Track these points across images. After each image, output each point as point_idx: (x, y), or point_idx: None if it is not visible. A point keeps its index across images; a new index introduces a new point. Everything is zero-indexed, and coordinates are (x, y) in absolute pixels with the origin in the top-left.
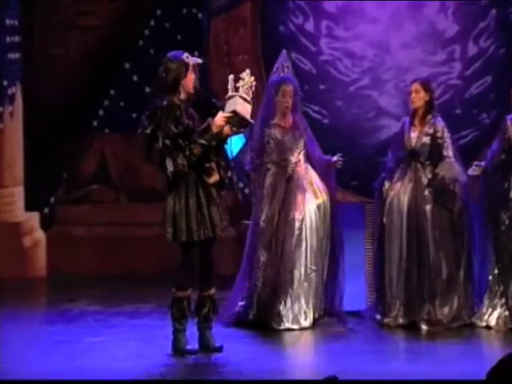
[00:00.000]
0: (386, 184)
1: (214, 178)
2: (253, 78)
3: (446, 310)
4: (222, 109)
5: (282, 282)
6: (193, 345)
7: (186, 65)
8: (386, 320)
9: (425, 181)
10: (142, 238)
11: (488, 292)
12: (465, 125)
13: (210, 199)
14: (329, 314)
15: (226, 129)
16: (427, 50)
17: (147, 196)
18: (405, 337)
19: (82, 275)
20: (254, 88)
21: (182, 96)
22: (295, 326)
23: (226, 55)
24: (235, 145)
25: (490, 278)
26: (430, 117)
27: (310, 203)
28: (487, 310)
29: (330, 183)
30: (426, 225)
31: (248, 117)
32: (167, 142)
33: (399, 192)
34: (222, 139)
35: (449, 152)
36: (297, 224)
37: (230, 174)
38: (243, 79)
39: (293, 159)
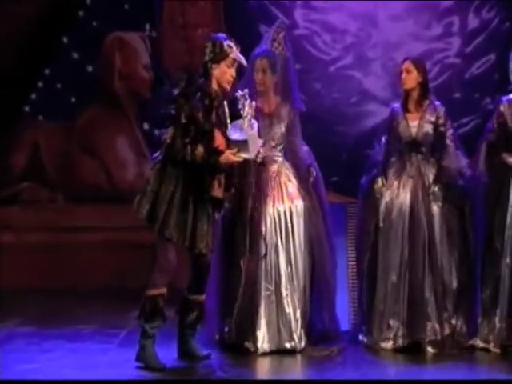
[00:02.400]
0: (380, 181)
1: (217, 192)
2: (254, 104)
3: (450, 327)
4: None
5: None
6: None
7: (224, 53)
8: (383, 344)
9: (429, 176)
10: (83, 245)
11: (483, 310)
12: (465, 111)
13: (202, 210)
14: (321, 335)
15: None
16: (420, 22)
17: (89, 196)
18: (409, 363)
19: (11, 290)
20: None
21: (214, 86)
22: (269, 349)
23: (182, 28)
24: None
25: (486, 296)
26: (427, 102)
27: (270, 209)
28: (485, 329)
29: (315, 190)
30: (434, 228)
31: (258, 148)
32: (183, 119)
33: (398, 191)
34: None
35: (452, 142)
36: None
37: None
38: (248, 113)
39: (261, 151)
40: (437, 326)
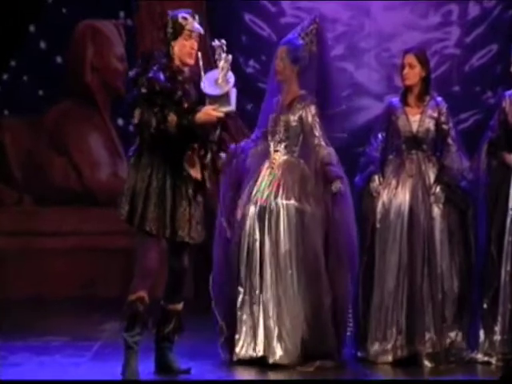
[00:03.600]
0: (377, 179)
1: (195, 172)
2: (230, 57)
3: (450, 339)
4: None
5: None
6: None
7: (180, 27)
8: (381, 358)
9: (430, 175)
10: (52, 251)
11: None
12: (465, 105)
13: (180, 195)
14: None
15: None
16: (417, 11)
17: (59, 198)
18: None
19: None
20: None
21: (177, 62)
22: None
23: (160, 16)
24: None
25: (485, 306)
26: (428, 97)
27: (251, 207)
28: (485, 342)
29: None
30: (434, 231)
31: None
32: (144, 89)
33: (396, 190)
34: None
35: (454, 141)
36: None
37: (216, 175)
38: (219, 59)
39: (272, 145)
40: (435, 338)
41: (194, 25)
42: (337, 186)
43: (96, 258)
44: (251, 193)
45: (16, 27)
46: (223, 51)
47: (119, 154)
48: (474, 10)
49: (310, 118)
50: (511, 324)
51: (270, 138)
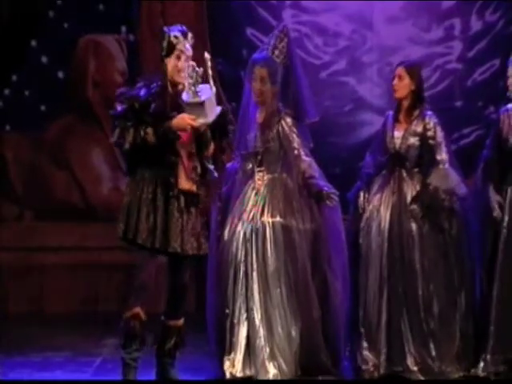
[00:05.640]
0: (362, 195)
1: (187, 184)
2: (201, 70)
3: (436, 356)
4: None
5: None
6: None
7: (171, 46)
8: (366, 374)
9: (411, 192)
10: (52, 266)
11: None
12: (467, 120)
13: (172, 207)
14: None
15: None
16: (419, 24)
17: (60, 213)
18: None
19: None
20: (210, 71)
21: (169, 78)
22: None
23: (162, 30)
24: None
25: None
26: (417, 112)
27: (238, 227)
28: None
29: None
30: (412, 250)
31: (217, 111)
32: (121, 108)
33: (379, 206)
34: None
35: (443, 156)
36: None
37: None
38: (191, 77)
39: (249, 165)
40: (417, 357)
41: (185, 45)
42: (332, 201)
43: (97, 274)
44: (238, 213)
45: (18, 42)
46: (194, 69)
47: (121, 168)
48: (476, 25)
49: (287, 131)
50: (502, 343)
51: (251, 157)
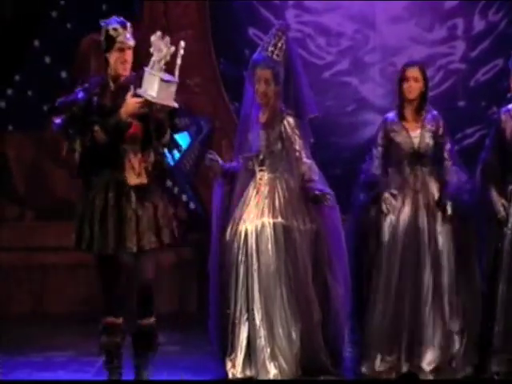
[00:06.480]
0: (388, 198)
1: (133, 179)
2: (173, 49)
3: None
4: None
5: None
6: None
7: (111, 40)
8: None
9: (434, 189)
10: (53, 266)
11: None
12: (470, 120)
13: (124, 208)
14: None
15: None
16: (422, 24)
17: (61, 213)
18: None
19: None
20: (179, 60)
21: (112, 73)
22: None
23: (165, 30)
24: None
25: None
26: (424, 111)
27: (240, 228)
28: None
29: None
30: (439, 246)
31: (170, 102)
32: (59, 120)
33: (402, 206)
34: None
35: (449, 156)
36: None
37: (165, 177)
38: (160, 50)
39: (256, 165)
40: (438, 353)
41: (126, 35)
42: (328, 201)
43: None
44: (239, 213)
45: (20, 42)
46: (165, 45)
47: None
48: (479, 25)
49: (289, 132)
50: (506, 343)
51: (253, 157)
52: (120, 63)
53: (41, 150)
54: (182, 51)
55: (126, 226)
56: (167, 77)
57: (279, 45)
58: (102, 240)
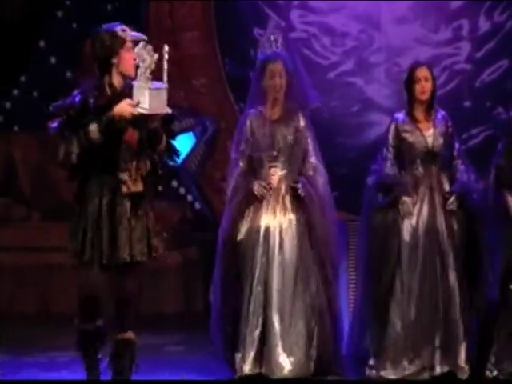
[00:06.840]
0: (408, 201)
1: (132, 186)
2: (156, 56)
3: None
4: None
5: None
6: None
7: (121, 40)
8: (416, 376)
9: (447, 188)
10: (58, 266)
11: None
12: (475, 121)
13: (119, 215)
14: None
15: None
16: (427, 25)
17: (67, 213)
18: None
19: None
20: (166, 65)
21: (115, 81)
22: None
23: (170, 31)
24: (182, 146)
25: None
26: (433, 111)
27: (256, 221)
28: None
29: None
30: (451, 246)
31: (164, 110)
32: (55, 125)
33: (421, 206)
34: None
35: (458, 154)
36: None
37: (159, 185)
38: (145, 60)
39: (266, 161)
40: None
41: (134, 33)
42: (300, 191)
43: None
44: (252, 210)
45: (26, 42)
46: (148, 54)
47: None
48: (484, 25)
49: (302, 132)
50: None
51: (263, 154)
52: (130, 65)
53: (46, 150)
54: (166, 55)
55: (121, 235)
56: (155, 85)
57: (279, 40)
58: (97, 250)
